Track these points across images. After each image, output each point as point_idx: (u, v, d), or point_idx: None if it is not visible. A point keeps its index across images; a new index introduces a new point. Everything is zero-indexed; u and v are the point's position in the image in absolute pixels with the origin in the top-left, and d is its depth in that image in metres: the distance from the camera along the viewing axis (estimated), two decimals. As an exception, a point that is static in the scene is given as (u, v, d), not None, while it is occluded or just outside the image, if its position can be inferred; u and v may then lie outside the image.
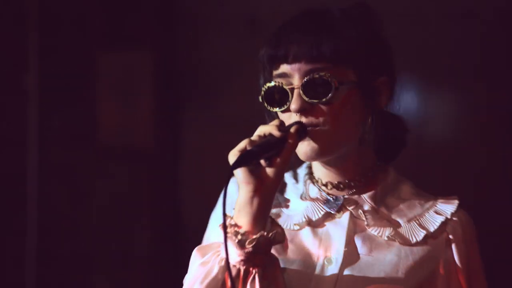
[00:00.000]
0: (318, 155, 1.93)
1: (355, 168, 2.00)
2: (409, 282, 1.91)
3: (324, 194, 2.01)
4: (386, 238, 1.95)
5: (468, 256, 1.96)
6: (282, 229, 1.86)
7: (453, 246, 1.96)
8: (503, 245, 3.22)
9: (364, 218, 1.97)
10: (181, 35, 3.84)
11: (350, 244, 1.95)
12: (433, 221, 1.97)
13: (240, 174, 1.83)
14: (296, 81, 1.91)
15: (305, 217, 2.00)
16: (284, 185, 2.08)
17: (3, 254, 3.65)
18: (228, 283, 1.82)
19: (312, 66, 1.90)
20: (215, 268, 1.84)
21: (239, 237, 1.81)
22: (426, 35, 3.31)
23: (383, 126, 1.97)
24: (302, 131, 1.90)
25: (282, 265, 1.90)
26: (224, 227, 1.75)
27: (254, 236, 1.81)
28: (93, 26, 3.80)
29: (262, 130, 1.86)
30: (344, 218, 1.98)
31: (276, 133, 1.84)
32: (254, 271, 1.82)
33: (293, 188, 2.07)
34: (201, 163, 3.69)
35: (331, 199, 2.00)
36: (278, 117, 1.97)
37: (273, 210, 2.01)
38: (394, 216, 1.98)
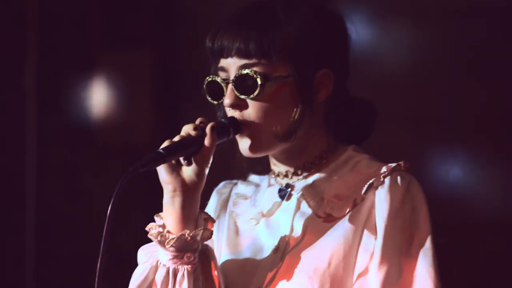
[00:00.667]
0: (254, 151, 1.95)
1: (304, 155, 2.00)
2: (344, 255, 1.90)
3: (274, 183, 2.03)
4: (326, 216, 1.95)
5: (389, 215, 1.89)
6: (212, 225, 1.88)
7: (376, 206, 1.92)
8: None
9: (306, 202, 1.97)
10: (181, 35, 3.84)
11: (295, 229, 1.96)
12: (364, 187, 1.95)
13: (160, 173, 1.86)
14: (232, 75, 1.94)
15: (259, 210, 2.02)
16: (258, 184, 2.10)
17: (3, 253, 3.65)
18: (157, 282, 1.86)
19: (245, 62, 1.92)
20: (147, 268, 1.88)
21: (159, 238, 1.84)
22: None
23: (344, 116, 1.98)
24: (225, 128, 1.91)
25: (233, 256, 1.94)
26: (108, 224, 1.80)
27: (172, 236, 1.84)
28: (93, 25, 3.80)
29: (184, 129, 1.88)
30: (291, 205, 1.99)
31: (192, 132, 1.86)
32: (183, 268, 1.85)
33: (259, 181, 2.10)
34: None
35: (282, 188, 2.01)
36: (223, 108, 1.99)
37: (240, 209, 2.06)
38: (336, 193, 1.97)
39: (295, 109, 1.93)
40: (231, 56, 1.92)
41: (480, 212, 3.26)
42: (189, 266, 1.85)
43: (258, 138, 1.94)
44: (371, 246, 1.90)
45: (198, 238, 1.85)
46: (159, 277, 1.86)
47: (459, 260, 3.21)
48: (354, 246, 1.91)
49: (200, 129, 1.86)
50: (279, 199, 2.01)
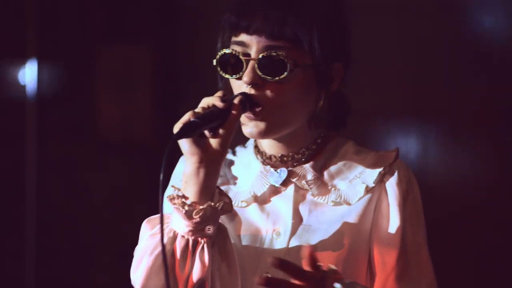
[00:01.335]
0: (262, 135, 1.93)
1: (300, 142, 2.00)
2: (356, 240, 1.93)
3: (268, 167, 2.01)
4: (332, 204, 1.96)
5: (402, 206, 1.95)
6: (230, 199, 1.88)
7: (388, 196, 1.96)
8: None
9: (308, 188, 1.98)
10: (181, 30, 3.83)
11: (297, 215, 1.97)
12: (372, 175, 1.97)
13: (184, 145, 1.83)
14: (253, 53, 1.90)
15: (251, 193, 2.00)
16: (232, 161, 2.09)
17: (3, 250, 3.65)
18: (177, 253, 1.84)
19: (272, 43, 1.88)
20: (164, 239, 1.84)
21: (186, 208, 1.82)
22: None
23: (332, 108, 1.98)
24: (246, 102, 1.89)
25: (232, 240, 1.91)
26: (162, 193, 1.74)
27: (201, 207, 1.82)
28: (93, 20, 3.79)
29: (206, 101, 1.85)
30: (289, 191, 1.99)
31: (219, 104, 1.83)
32: (202, 241, 1.83)
33: (241, 163, 2.07)
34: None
35: (275, 172, 2.00)
36: (229, 83, 1.96)
37: (222, 188, 2.02)
38: (337, 180, 1.99)
39: (315, 98, 1.94)
40: (259, 35, 1.89)
41: (479, 205, 3.27)
42: (208, 238, 1.84)
43: (273, 122, 1.92)
44: (386, 235, 1.94)
45: (220, 209, 1.85)
46: (179, 248, 1.84)
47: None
48: (366, 233, 1.94)
49: (227, 101, 1.85)
50: (274, 184, 2.00)
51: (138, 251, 1.88)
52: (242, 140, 2.05)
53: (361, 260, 1.94)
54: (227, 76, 1.94)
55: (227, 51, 1.91)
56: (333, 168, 2.00)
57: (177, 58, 3.82)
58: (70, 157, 3.75)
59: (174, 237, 1.85)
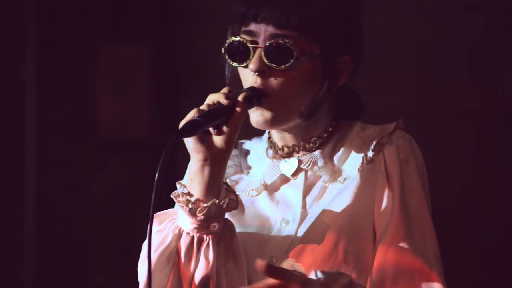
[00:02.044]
0: (268, 124, 1.94)
1: (311, 131, 2.01)
2: (358, 213, 1.93)
3: (279, 157, 2.02)
4: (341, 186, 1.96)
5: (401, 174, 1.95)
6: (236, 196, 1.89)
7: (387, 165, 1.96)
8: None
9: (320, 174, 1.98)
10: (181, 29, 3.83)
11: (306, 204, 1.97)
12: (371, 145, 1.98)
13: (189, 143, 1.84)
14: (260, 41, 1.91)
15: (261, 182, 2.02)
16: (247, 151, 2.10)
17: (2, 249, 3.65)
18: (182, 250, 1.85)
19: (279, 31, 1.89)
20: (169, 236, 1.86)
21: (190, 205, 1.83)
22: None
23: (340, 101, 1.99)
24: (252, 98, 1.89)
25: (239, 230, 1.92)
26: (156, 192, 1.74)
27: (205, 205, 1.83)
28: (93, 19, 3.79)
29: (211, 98, 1.86)
30: (299, 180, 2.00)
31: (223, 101, 1.84)
32: (208, 238, 1.84)
33: (256, 154, 2.08)
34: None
35: (286, 162, 2.01)
36: (236, 73, 1.97)
37: (234, 177, 2.05)
38: (345, 163, 1.99)
39: (321, 88, 1.94)
40: (266, 23, 1.90)
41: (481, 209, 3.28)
42: (213, 235, 1.85)
43: (278, 111, 1.93)
44: (385, 204, 1.93)
45: (224, 206, 1.85)
46: (183, 245, 1.85)
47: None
48: (370, 204, 1.94)
49: (231, 98, 1.85)
50: (284, 173, 2.01)
51: (145, 247, 1.89)
52: (261, 131, 2.05)
53: (365, 235, 1.93)
54: (234, 64, 1.94)
55: (235, 38, 1.92)
56: (341, 152, 2.01)
57: (177, 58, 3.82)
58: (69, 156, 3.75)
59: (180, 234, 1.86)
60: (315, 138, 2.01)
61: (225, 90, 1.88)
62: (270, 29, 1.90)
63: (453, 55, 3.29)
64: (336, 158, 2.00)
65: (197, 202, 1.83)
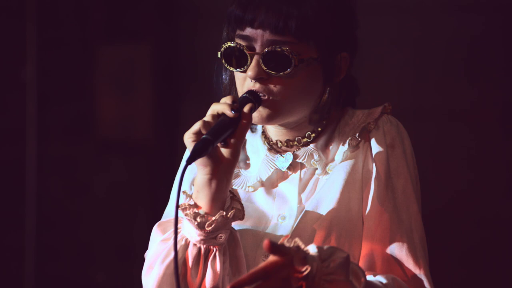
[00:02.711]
0: (266, 122, 1.94)
1: (306, 126, 2.01)
2: (347, 201, 1.93)
3: (273, 152, 2.02)
4: (330, 176, 1.96)
5: (387, 159, 1.94)
6: (242, 205, 1.89)
7: (372, 150, 1.96)
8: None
9: (316, 166, 1.98)
10: (181, 29, 3.83)
11: (302, 199, 1.98)
12: (357, 130, 1.98)
13: None
14: (258, 47, 1.90)
15: (257, 179, 2.02)
16: (244, 142, 2.07)
17: (3, 248, 3.65)
18: (189, 261, 1.84)
19: (276, 38, 1.88)
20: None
21: (199, 219, 1.82)
22: None
23: (339, 94, 1.99)
24: (254, 105, 1.89)
25: (236, 225, 1.92)
26: (176, 217, 1.74)
27: (213, 218, 1.82)
28: (93, 19, 3.79)
29: (215, 109, 1.85)
30: (296, 175, 2.00)
31: (229, 113, 1.83)
32: (215, 249, 1.84)
33: (251, 147, 2.07)
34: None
35: (281, 156, 2.01)
36: (233, 75, 1.96)
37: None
38: (337, 153, 1.99)
39: (321, 88, 1.94)
40: (263, 29, 1.89)
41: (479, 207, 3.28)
42: (219, 246, 1.85)
43: (279, 110, 1.93)
44: (372, 189, 1.93)
45: (231, 217, 1.85)
46: (191, 257, 1.85)
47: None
48: (358, 190, 1.94)
49: (237, 110, 1.84)
50: (280, 168, 2.01)
51: (150, 256, 1.89)
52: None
53: (355, 220, 1.93)
54: (231, 69, 1.94)
55: (231, 44, 1.91)
56: (334, 143, 2.01)
57: (177, 57, 3.82)
58: (70, 156, 3.76)
59: (186, 245, 1.85)
60: (309, 132, 2.01)
61: (229, 100, 1.86)
62: (267, 35, 1.88)
63: (451, 55, 3.29)
64: (329, 149, 2.00)
65: (205, 215, 1.83)
